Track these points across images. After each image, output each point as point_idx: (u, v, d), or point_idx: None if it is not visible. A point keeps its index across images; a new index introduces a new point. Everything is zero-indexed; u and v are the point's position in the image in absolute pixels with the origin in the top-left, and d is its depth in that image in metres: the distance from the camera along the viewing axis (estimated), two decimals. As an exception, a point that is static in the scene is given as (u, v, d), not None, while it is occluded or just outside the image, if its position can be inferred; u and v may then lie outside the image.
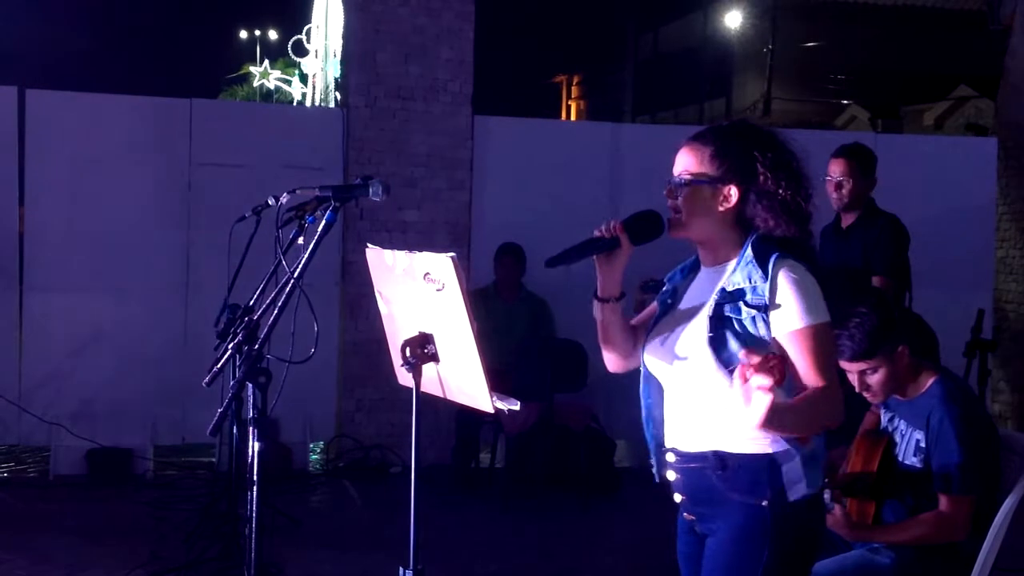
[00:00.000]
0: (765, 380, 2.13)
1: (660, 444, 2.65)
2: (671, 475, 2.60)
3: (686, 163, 2.53)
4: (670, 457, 2.60)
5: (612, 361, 2.78)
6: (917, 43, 24.69)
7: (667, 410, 2.61)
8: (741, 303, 2.43)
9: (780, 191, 2.44)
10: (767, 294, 2.39)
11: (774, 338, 2.40)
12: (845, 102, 25.33)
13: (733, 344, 2.40)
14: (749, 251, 2.45)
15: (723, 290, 2.47)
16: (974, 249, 7.97)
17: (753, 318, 2.41)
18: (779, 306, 2.39)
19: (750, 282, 2.43)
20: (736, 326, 2.42)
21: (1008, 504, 3.22)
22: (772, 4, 26.50)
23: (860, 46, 25.09)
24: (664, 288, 2.67)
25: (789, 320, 2.38)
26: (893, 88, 24.19)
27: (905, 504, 3.38)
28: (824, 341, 2.39)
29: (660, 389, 2.63)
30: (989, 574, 3.24)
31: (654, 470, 2.67)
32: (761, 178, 2.45)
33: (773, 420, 2.21)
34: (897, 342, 3.31)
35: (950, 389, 3.33)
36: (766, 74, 26.14)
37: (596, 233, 2.56)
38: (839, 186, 4.91)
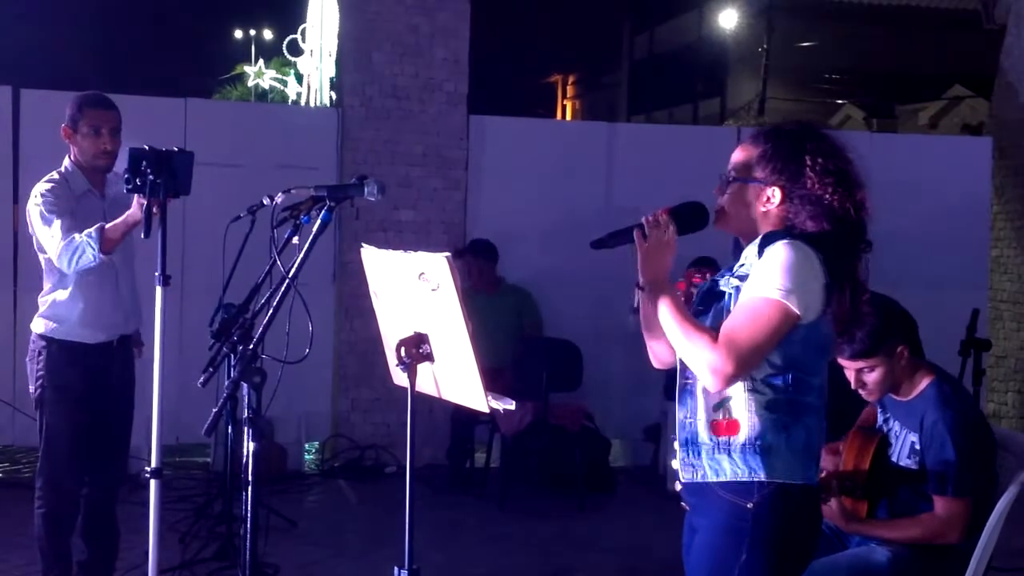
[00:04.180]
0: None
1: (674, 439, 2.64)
2: (675, 464, 2.60)
3: (736, 161, 2.56)
4: (676, 444, 2.59)
5: (657, 354, 2.73)
6: (912, 43, 24.72)
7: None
8: (730, 276, 2.48)
9: (827, 196, 2.43)
10: (753, 267, 2.43)
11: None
12: (840, 102, 25.33)
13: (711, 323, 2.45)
14: (761, 236, 2.48)
15: (729, 269, 2.52)
16: (969, 248, 7.98)
17: (737, 289, 2.44)
18: (754, 272, 2.41)
19: (747, 259, 2.47)
20: (727, 301, 2.46)
21: (1003, 503, 3.22)
22: (767, 4, 26.50)
23: (855, 46, 25.11)
24: (710, 280, 2.67)
25: (752, 284, 2.40)
26: (888, 88, 24.19)
27: (899, 504, 3.38)
28: (764, 315, 2.36)
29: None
30: (984, 573, 3.24)
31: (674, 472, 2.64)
32: (808, 182, 2.44)
33: (663, 287, 2.43)
34: (897, 342, 3.32)
35: (945, 392, 3.32)
36: (761, 74, 26.13)
37: (643, 220, 2.55)
38: None
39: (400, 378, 2.68)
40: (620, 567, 5.38)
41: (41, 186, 4.04)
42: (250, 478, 2.78)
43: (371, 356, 6.59)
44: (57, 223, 3.92)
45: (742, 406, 2.43)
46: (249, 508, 2.80)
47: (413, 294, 2.60)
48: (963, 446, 3.21)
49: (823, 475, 3.45)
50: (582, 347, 6.78)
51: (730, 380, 2.37)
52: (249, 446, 2.76)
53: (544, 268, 7.14)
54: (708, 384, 2.40)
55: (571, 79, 38.00)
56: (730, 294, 2.46)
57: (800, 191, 2.45)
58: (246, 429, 2.77)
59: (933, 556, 3.30)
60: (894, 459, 3.39)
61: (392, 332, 2.75)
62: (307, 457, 7.30)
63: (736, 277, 2.47)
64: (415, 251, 2.60)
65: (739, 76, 28.85)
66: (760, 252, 2.43)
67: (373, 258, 2.80)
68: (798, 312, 2.36)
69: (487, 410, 2.58)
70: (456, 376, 2.60)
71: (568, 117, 36.30)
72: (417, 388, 2.66)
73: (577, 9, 31.05)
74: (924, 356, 3.49)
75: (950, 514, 3.23)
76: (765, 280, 2.37)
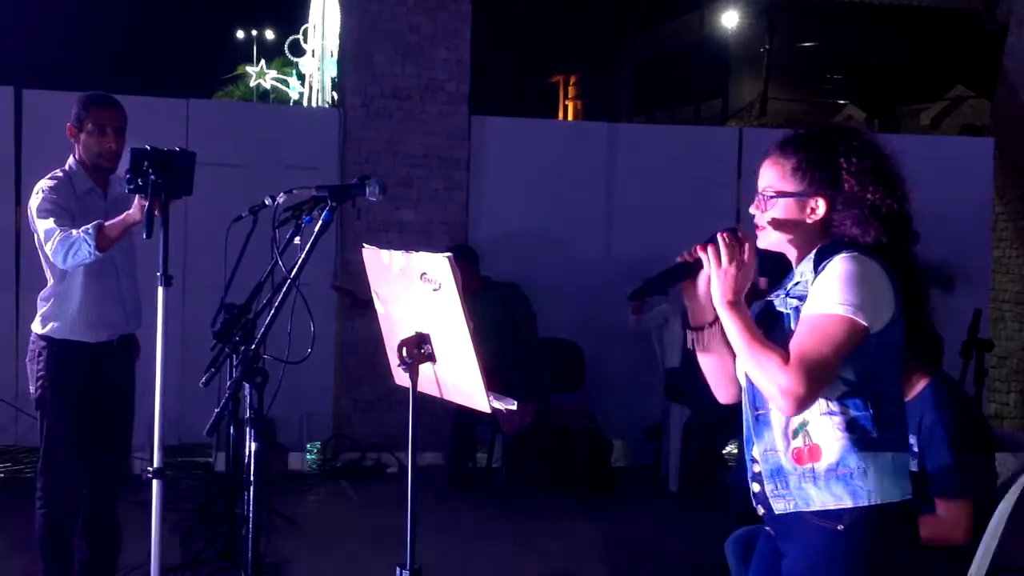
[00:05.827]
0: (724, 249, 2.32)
1: (752, 462, 2.50)
2: (755, 487, 2.48)
3: (770, 177, 2.45)
4: (756, 468, 2.47)
5: (724, 386, 2.59)
6: (914, 43, 24.73)
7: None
8: (786, 295, 2.39)
9: (869, 196, 2.35)
10: (811, 284, 2.33)
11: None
12: (841, 102, 25.36)
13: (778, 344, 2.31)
14: (816, 250, 2.39)
15: (784, 289, 2.44)
16: (971, 249, 7.97)
17: (796, 309, 2.34)
18: (816, 287, 2.31)
19: (803, 276, 2.39)
20: (786, 322, 2.36)
21: (1005, 504, 3.22)
22: (769, 4, 26.51)
23: (857, 46, 25.13)
24: (764, 300, 2.55)
25: (815, 301, 2.29)
26: (890, 88, 24.23)
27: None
28: (832, 333, 2.23)
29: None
30: (986, 573, 3.24)
31: (752, 495, 2.51)
32: (846, 185, 2.36)
33: (739, 308, 2.31)
34: None
35: (942, 393, 3.32)
36: (763, 74, 26.15)
37: (679, 259, 2.44)
38: None
39: (402, 378, 2.68)
40: (621, 567, 5.38)
41: (44, 182, 4.06)
42: (252, 478, 2.78)
43: (373, 356, 6.58)
44: (54, 217, 3.93)
45: (821, 430, 2.32)
46: (251, 508, 2.80)
47: (415, 294, 2.60)
48: (961, 447, 3.21)
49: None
50: (583, 347, 6.78)
51: (804, 403, 2.24)
52: (251, 446, 2.77)
53: (545, 268, 7.14)
54: (781, 408, 2.27)
55: (572, 79, 38.02)
56: (789, 315, 2.36)
57: (842, 196, 2.36)
58: (248, 429, 2.77)
59: (935, 558, 3.30)
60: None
61: (393, 332, 2.75)
62: (309, 457, 7.30)
63: (794, 297, 2.37)
64: (417, 251, 2.60)
65: (741, 76, 28.88)
66: (816, 266, 2.34)
67: (374, 258, 2.79)
68: (865, 324, 2.25)
69: (489, 410, 2.58)
70: (458, 376, 2.60)
71: (570, 117, 36.34)
72: (419, 388, 2.66)
73: (579, 9, 31.07)
74: (940, 366, 3.49)
75: (952, 516, 3.23)
76: (827, 295, 2.27)
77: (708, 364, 2.56)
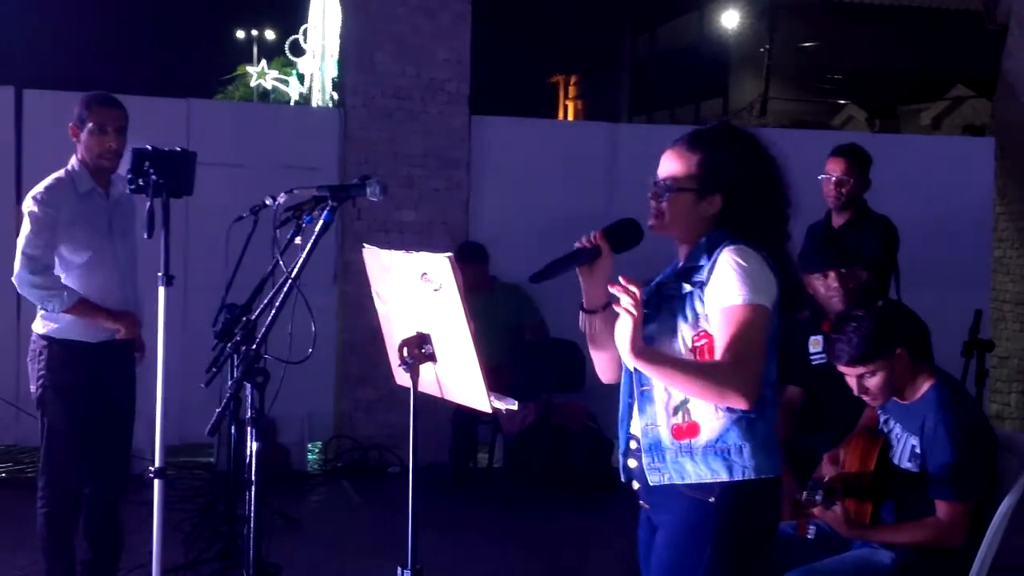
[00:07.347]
0: (626, 299, 2.33)
1: (629, 440, 2.65)
2: (632, 463, 2.62)
3: (672, 169, 2.60)
4: (632, 444, 2.62)
5: (606, 370, 2.76)
6: (914, 43, 24.73)
7: (635, 399, 2.64)
8: (683, 281, 2.51)
9: (762, 195, 2.54)
10: (707, 273, 2.47)
11: (707, 315, 2.47)
12: (842, 102, 25.36)
13: (676, 325, 2.49)
14: (704, 239, 2.54)
15: (674, 272, 2.58)
16: (971, 249, 7.97)
17: (691, 294, 2.48)
18: (716, 283, 2.45)
19: (697, 263, 2.51)
20: (678, 304, 2.50)
21: (1006, 505, 3.22)
22: (769, 4, 26.51)
23: (857, 46, 25.12)
24: (650, 284, 2.69)
25: (720, 296, 2.44)
26: (890, 88, 24.21)
27: (903, 506, 3.38)
28: (748, 321, 2.40)
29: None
30: (988, 574, 3.25)
31: (620, 468, 2.68)
32: (743, 184, 2.53)
33: (646, 354, 2.38)
34: (895, 345, 3.31)
35: (945, 395, 3.31)
36: (763, 74, 26.15)
37: (577, 245, 2.57)
38: (840, 184, 4.90)
39: (402, 378, 2.69)
40: (622, 567, 5.37)
41: (42, 187, 4.07)
42: (253, 478, 2.78)
43: (374, 356, 6.59)
44: (40, 251, 3.98)
45: (700, 408, 2.47)
46: (252, 508, 2.81)
47: (415, 294, 2.60)
48: (964, 450, 3.20)
49: (828, 479, 3.44)
50: (584, 348, 6.76)
51: (756, 393, 2.41)
52: (252, 446, 2.77)
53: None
54: (740, 405, 2.41)
55: (573, 79, 38.02)
56: (693, 292, 2.49)
57: (738, 194, 2.52)
58: (249, 429, 2.78)
59: (937, 557, 3.30)
60: (895, 461, 3.39)
61: (394, 332, 2.75)
62: (310, 457, 7.30)
63: (691, 283, 2.50)
64: (417, 251, 2.61)
65: (741, 76, 28.87)
66: (710, 256, 2.48)
67: (375, 258, 2.80)
68: (768, 306, 2.44)
69: (490, 410, 2.58)
70: (459, 376, 2.60)
71: (570, 117, 36.33)
72: (420, 388, 2.66)
73: (579, 9, 31.07)
74: (932, 360, 3.49)
75: (952, 518, 3.23)
76: (731, 290, 2.43)
77: (597, 347, 2.71)
